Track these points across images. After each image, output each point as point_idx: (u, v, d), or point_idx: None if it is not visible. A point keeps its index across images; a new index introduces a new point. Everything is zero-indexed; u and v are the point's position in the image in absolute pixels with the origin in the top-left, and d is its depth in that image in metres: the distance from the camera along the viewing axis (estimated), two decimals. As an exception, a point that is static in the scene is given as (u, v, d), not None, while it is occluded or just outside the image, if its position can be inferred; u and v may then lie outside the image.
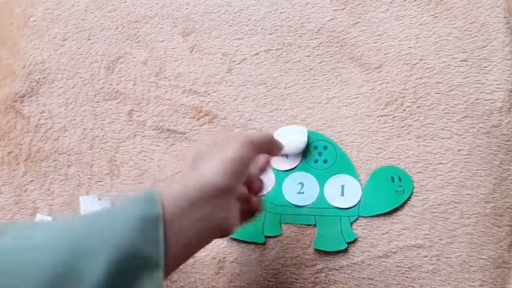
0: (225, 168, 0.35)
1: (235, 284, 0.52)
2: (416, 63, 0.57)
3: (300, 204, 0.52)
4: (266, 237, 0.51)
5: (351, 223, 0.51)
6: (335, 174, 0.52)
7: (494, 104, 0.55)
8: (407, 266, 0.51)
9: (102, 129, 0.60)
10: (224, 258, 0.53)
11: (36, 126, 0.60)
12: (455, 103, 0.55)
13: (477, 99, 0.55)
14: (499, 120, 0.54)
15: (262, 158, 0.43)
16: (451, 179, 0.53)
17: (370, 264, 0.51)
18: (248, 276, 0.52)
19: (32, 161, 0.59)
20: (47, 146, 0.60)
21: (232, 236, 0.49)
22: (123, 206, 0.32)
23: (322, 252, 0.52)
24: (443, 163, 0.53)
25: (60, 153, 0.59)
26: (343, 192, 0.52)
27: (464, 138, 0.54)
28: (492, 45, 0.57)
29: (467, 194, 0.52)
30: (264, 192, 0.51)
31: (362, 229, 0.52)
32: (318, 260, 0.52)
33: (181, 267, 0.53)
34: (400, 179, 0.52)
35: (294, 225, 0.53)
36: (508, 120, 0.54)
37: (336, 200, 0.52)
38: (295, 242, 0.53)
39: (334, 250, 0.50)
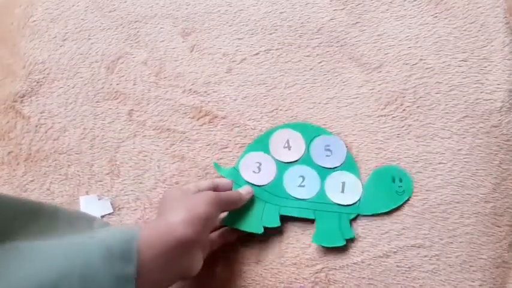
0: (193, 223, 0.38)
1: (235, 283, 0.52)
2: (416, 63, 0.57)
3: (300, 197, 0.51)
4: (265, 228, 0.51)
5: (351, 221, 0.51)
6: (337, 170, 0.52)
7: (494, 104, 0.55)
8: (407, 266, 0.51)
9: (102, 129, 0.60)
10: (224, 258, 0.53)
11: (36, 126, 0.60)
12: (455, 103, 0.55)
13: (477, 99, 0.55)
14: (499, 120, 0.54)
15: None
16: (451, 178, 0.53)
17: (370, 264, 0.51)
18: (248, 276, 0.52)
19: (32, 161, 0.59)
20: (47, 145, 0.60)
21: (231, 225, 0.50)
22: (98, 261, 0.33)
23: (322, 252, 0.52)
24: (443, 163, 0.53)
25: (60, 153, 0.59)
26: (344, 189, 0.52)
27: (464, 138, 0.54)
28: (492, 45, 0.57)
29: (467, 194, 0.52)
30: (264, 182, 0.52)
31: (362, 229, 0.52)
32: (317, 259, 0.52)
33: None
34: (400, 180, 0.52)
35: (294, 224, 0.53)
36: (507, 120, 0.54)
37: (336, 196, 0.51)
38: (295, 241, 0.53)
39: (332, 246, 0.51)
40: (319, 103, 0.58)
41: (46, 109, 0.61)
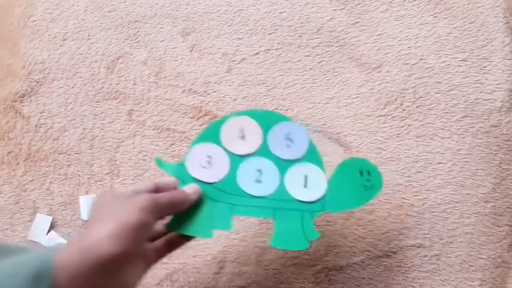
0: (121, 236, 0.33)
1: (235, 284, 0.52)
2: (416, 63, 0.57)
3: (257, 194, 0.45)
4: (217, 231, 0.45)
5: (314, 219, 0.45)
6: (299, 162, 0.46)
7: (493, 104, 0.55)
8: (407, 266, 0.51)
9: (101, 129, 0.60)
10: (224, 258, 0.53)
11: (36, 126, 0.60)
12: (454, 103, 0.55)
13: (477, 98, 0.55)
14: (499, 119, 0.54)
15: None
16: (451, 178, 0.53)
17: (370, 264, 0.51)
18: (248, 276, 0.52)
19: (31, 161, 0.59)
20: (46, 145, 0.60)
21: (176, 230, 0.43)
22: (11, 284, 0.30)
23: (322, 253, 0.52)
24: (443, 163, 0.53)
25: (60, 153, 0.59)
26: (307, 183, 0.45)
27: (463, 137, 0.54)
28: (492, 45, 0.57)
29: (467, 194, 0.52)
30: (215, 179, 0.45)
31: (362, 229, 0.52)
32: (318, 260, 0.52)
33: (181, 267, 0.53)
34: (368, 173, 0.46)
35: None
36: (507, 120, 0.54)
37: (298, 192, 0.45)
38: (295, 241, 0.53)
39: (293, 249, 0.45)
40: (319, 103, 0.58)
41: (46, 109, 0.61)
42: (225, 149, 0.46)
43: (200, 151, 0.46)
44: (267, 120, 0.47)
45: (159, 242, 0.42)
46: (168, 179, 0.44)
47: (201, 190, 0.44)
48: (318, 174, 0.46)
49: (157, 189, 0.41)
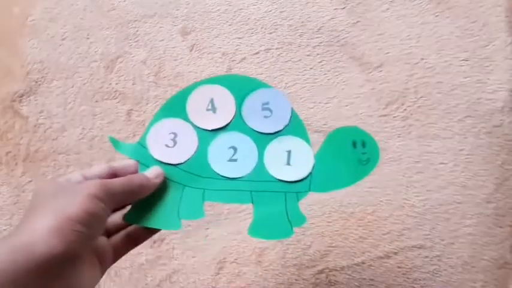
0: (64, 231, 0.27)
1: (235, 284, 0.52)
2: (418, 63, 0.57)
3: (232, 175, 0.38)
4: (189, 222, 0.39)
5: (300, 201, 0.38)
6: (279, 135, 0.39)
7: (496, 104, 0.54)
8: (408, 267, 0.51)
9: (101, 129, 0.59)
10: (224, 258, 0.53)
11: (35, 126, 0.60)
12: (456, 103, 0.55)
13: (479, 98, 0.55)
14: (501, 120, 0.54)
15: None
16: (453, 179, 0.52)
17: (371, 265, 0.51)
18: (248, 276, 0.52)
19: (30, 161, 0.59)
20: (45, 146, 0.59)
21: (135, 222, 0.36)
22: None
23: (323, 253, 0.52)
24: (445, 163, 0.53)
25: (59, 153, 0.59)
26: (290, 160, 0.39)
27: (465, 138, 0.54)
28: (494, 45, 0.56)
29: (469, 194, 0.52)
30: (182, 160, 0.38)
31: (363, 229, 0.52)
32: (318, 260, 0.52)
33: (181, 268, 0.53)
34: (363, 144, 0.40)
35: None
36: (509, 120, 0.54)
37: (279, 170, 0.39)
38: (296, 242, 0.52)
39: (276, 238, 0.40)
40: (320, 103, 0.57)
41: (45, 109, 0.61)
42: (192, 124, 0.39)
43: (163, 127, 0.39)
44: (240, 87, 0.40)
45: (117, 238, 0.36)
46: (127, 161, 0.37)
47: (164, 173, 0.38)
48: (303, 149, 0.39)
49: (112, 174, 0.35)
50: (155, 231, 0.37)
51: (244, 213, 0.54)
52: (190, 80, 0.60)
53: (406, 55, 0.57)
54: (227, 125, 0.40)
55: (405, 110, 0.56)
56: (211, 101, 0.40)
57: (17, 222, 0.56)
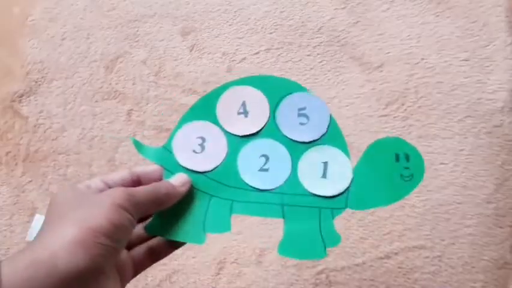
0: (88, 244, 0.25)
1: (235, 284, 0.52)
2: (418, 63, 0.57)
3: (262, 187, 0.35)
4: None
5: (335, 219, 0.35)
6: (316, 145, 0.36)
7: (496, 104, 0.54)
8: (408, 267, 0.51)
9: (101, 129, 0.59)
10: (224, 258, 0.53)
11: (35, 126, 0.60)
12: (456, 103, 0.55)
13: (479, 98, 0.55)
14: (501, 120, 0.54)
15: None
16: (453, 179, 0.52)
17: (371, 266, 0.51)
18: (248, 277, 0.52)
19: (30, 161, 0.59)
20: (45, 146, 0.59)
21: (157, 233, 0.34)
22: None
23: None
24: (445, 163, 0.53)
25: (59, 153, 0.59)
26: (326, 172, 0.36)
27: (466, 138, 0.54)
28: (494, 45, 0.56)
29: (469, 195, 0.52)
30: (209, 167, 0.35)
31: (363, 229, 0.52)
32: (318, 260, 0.52)
33: (181, 268, 0.53)
34: (407, 158, 0.36)
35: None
36: (510, 120, 0.54)
37: (314, 183, 0.35)
38: (296, 242, 0.52)
39: (308, 259, 0.36)
40: (320, 103, 0.57)
41: (45, 109, 0.61)
42: (222, 128, 0.37)
43: (190, 131, 0.36)
44: (275, 90, 0.37)
45: (139, 251, 0.33)
46: (150, 167, 0.35)
47: (191, 181, 0.35)
48: (341, 161, 0.36)
49: (135, 181, 0.33)
50: (179, 245, 0.34)
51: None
52: (190, 80, 0.60)
53: (406, 55, 0.57)
54: (259, 131, 0.37)
55: (405, 110, 0.56)
56: (243, 103, 0.37)
57: (17, 222, 0.57)
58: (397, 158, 0.36)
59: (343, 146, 0.36)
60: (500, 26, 0.57)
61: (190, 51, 0.61)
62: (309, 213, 0.35)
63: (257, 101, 0.37)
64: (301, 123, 0.37)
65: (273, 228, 0.53)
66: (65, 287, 0.24)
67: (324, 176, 0.36)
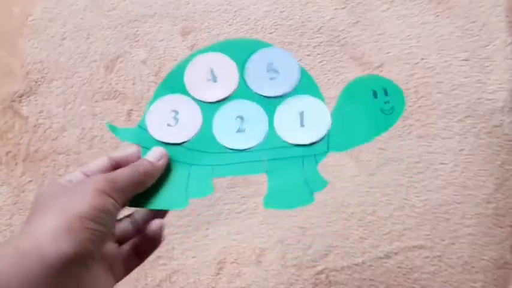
0: (73, 229, 0.25)
1: (235, 284, 0.52)
2: (418, 63, 0.57)
3: (241, 147, 0.35)
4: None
5: (319, 164, 0.35)
6: (289, 97, 0.36)
7: (496, 104, 0.54)
8: (408, 267, 0.51)
9: (101, 129, 0.59)
10: (224, 258, 0.53)
11: (35, 126, 0.60)
12: (456, 103, 0.55)
13: (479, 98, 0.55)
14: (501, 120, 0.54)
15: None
16: (453, 179, 0.52)
17: (371, 265, 0.51)
18: (248, 277, 0.52)
19: (30, 161, 0.59)
20: (45, 146, 0.59)
21: (139, 205, 0.34)
22: None
23: (323, 253, 0.51)
24: (445, 163, 0.53)
25: (59, 153, 0.59)
26: (303, 121, 0.36)
27: (465, 138, 0.54)
28: (494, 45, 0.56)
29: (469, 195, 0.52)
30: (186, 137, 0.35)
31: (363, 229, 0.52)
32: (318, 261, 0.52)
33: (181, 268, 0.53)
34: (385, 92, 0.36)
35: (294, 224, 0.52)
36: (510, 120, 0.54)
37: (293, 134, 0.35)
38: (296, 242, 0.52)
39: (295, 207, 0.35)
40: (320, 103, 0.57)
41: (44, 109, 0.61)
42: (193, 98, 0.36)
43: (162, 106, 0.37)
44: (240, 51, 0.37)
45: (125, 248, 0.33)
46: (127, 149, 0.35)
47: (168, 153, 0.35)
48: (317, 107, 0.36)
49: (115, 166, 0.33)
50: (161, 215, 0.34)
51: (245, 213, 0.54)
52: (190, 80, 0.60)
53: (406, 55, 0.57)
54: (231, 94, 0.36)
55: (405, 110, 0.56)
56: (211, 70, 0.37)
57: (17, 222, 0.57)
58: (375, 95, 0.36)
59: (317, 93, 0.36)
60: (500, 26, 0.57)
61: (191, 51, 0.61)
62: (292, 163, 0.35)
63: (224, 65, 0.37)
64: (271, 78, 0.36)
65: (273, 228, 0.53)
66: (55, 274, 0.24)
67: (302, 125, 0.36)
